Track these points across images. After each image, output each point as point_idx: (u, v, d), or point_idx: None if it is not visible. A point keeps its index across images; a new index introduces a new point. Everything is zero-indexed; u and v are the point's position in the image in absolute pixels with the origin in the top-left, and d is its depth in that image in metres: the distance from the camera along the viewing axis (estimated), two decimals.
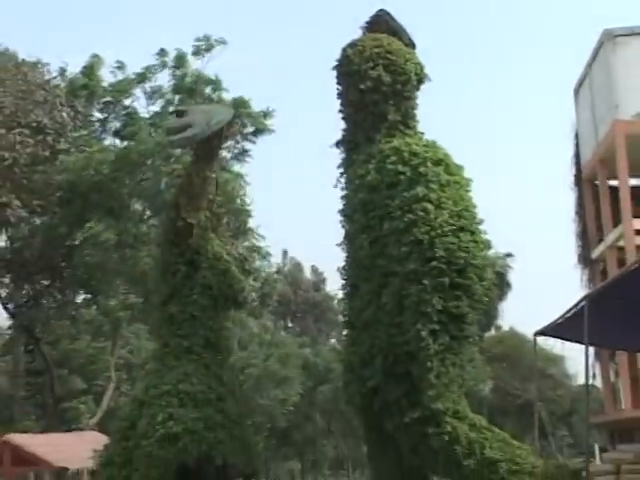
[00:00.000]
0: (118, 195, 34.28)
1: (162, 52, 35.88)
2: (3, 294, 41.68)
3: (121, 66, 36.16)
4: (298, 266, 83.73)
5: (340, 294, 11.52)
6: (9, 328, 48.16)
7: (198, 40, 35.53)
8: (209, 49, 35.64)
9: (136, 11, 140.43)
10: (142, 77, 36.15)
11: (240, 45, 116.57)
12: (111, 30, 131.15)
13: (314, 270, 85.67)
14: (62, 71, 37.43)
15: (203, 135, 11.13)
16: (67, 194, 34.38)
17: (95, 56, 36.66)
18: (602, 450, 35.91)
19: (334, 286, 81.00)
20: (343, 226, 10.95)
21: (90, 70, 36.47)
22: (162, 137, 30.39)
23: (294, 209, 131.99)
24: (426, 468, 10.28)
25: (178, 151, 30.01)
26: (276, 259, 50.94)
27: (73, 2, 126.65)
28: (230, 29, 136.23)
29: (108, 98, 37.15)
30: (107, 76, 36.88)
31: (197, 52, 35.59)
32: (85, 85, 36.40)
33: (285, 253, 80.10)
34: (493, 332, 58.74)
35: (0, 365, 58.01)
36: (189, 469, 10.49)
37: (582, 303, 15.68)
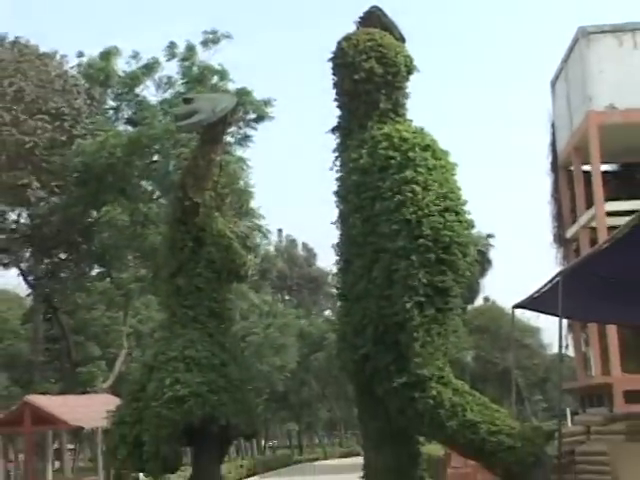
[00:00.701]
0: (130, 176, 34.31)
1: (172, 44, 35.83)
2: (24, 267, 41.71)
3: (136, 56, 36.10)
4: (293, 243, 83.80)
5: (334, 269, 11.48)
6: (28, 295, 48.13)
7: (206, 33, 35.49)
8: (216, 42, 35.60)
9: (146, 7, 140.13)
10: (152, 67, 36.10)
11: (244, 39, 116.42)
12: (124, 23, 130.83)
13: (305, 246, 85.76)
14: (80, 55, 37.31)
15: (208, 121, 11.09)
16: (83, 175, 34.39)
17: (111, 47, 36.62)
18: (573, 413, 36.00)
19: (324, 261, 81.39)
20: (337, 206, 10.92)
21: (107, 56, 36.36)
22: (170, 123, 30.37)
23: (289, 190, 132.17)
24: (412, 429, 10.29)
25: (185, 135, 29.99)
26: (272, 237, 50.90)
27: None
28: (236, 25, 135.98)
29: (121, 87, 37.09)
30: (122, 66, 36.86)
31: (205, 43, 35.53)
32: (102, 69, 36.30)
33: (280, 231, 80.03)
34: (475, 305, 58.83)
35: (21, 332, 58.06)
36: (194, 429, 10.49)
37: (557, 279, 15.68)
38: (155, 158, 35.08)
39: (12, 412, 27.66)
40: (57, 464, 52.15)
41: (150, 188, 36.54)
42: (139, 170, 34.62)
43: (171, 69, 36.54)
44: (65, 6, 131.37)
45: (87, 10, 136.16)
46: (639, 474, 12.68)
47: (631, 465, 14.12)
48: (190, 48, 35.59)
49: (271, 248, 67.00)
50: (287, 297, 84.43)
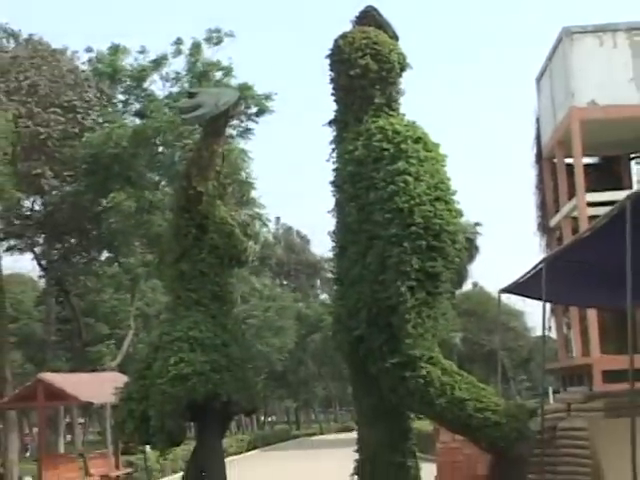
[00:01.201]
0: (136, 166, 34.30)
1: (178, 41, 35.82)
2: (38, 252, 41.76)
3: (143, 51, 36.09)
4: (289, 230, 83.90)
5: (330, 255, 11.45)
6: (41, 278, 48.17)
7: (210, 31, 35.49)
8: (220, 40, 35.61)
9: (153, 4, 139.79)
10: (160, 63, 36.10)
11: (249, 34, 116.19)
12: (129, 20, 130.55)
13: (298, 234, 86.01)
14: (89, 50, 37.29)
15: (212, 114, 11.04)
16: (91, 166, 34.39)
17: (119, 45, 36.64)
18: (555, 392, 36.11)
19: (317, 248, 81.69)
20: (334, 195, 10.90)
21: (115, 51, 36.35)
22: (174, 115, 30.39)
23: (287, 179, 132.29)
24: (403, 406, 10.30)
25: (187, 128, 30.03)
26: (270, 225, 50.92)
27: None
28: (241, 21, 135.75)
29: (129, 81, 37.10)
30: (130, 62, 36.85)
31: (209, 40, 35.51)
32: (110, 64, 36.30)
33: (278, 219, 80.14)
34: (464, 290, 58.89)
35: (34, 314, 58.14)
36: (197, 405, 10.49)
37: (540, 265, 15.68)
38: (160, 149, 35.12)
39: (26, 388, 27.69)
40: (68, 437, 52.30)
41: (157, 178, 36.59)
42: (145, 160, 34.63)
43: (177, 65, 36.57)
44: (72, 3, 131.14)
45: (91, 7, 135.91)
46: (616, 448, 12.70)
47: (608, 440, 14.14)
48: (196, 45, 35.59)
49: (270, 236, 67.10)
50: (285, 282, 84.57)
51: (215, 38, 35.38)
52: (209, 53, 36.03)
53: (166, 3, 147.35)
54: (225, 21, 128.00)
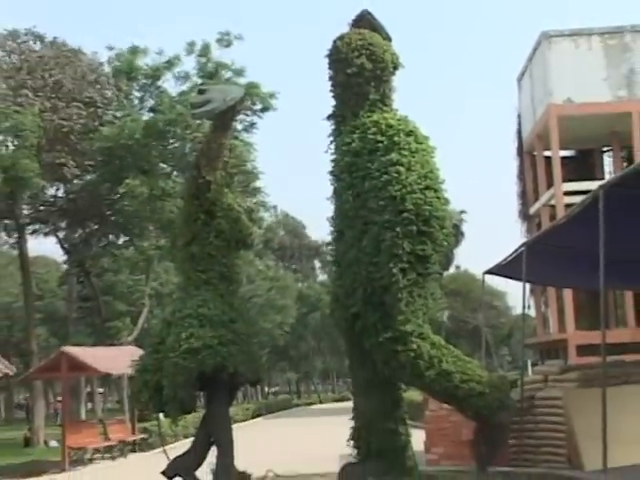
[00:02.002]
0: (149, 157, 34.27)
1: (191, 43, 35.84)
2: (60, 236, 41.75)
3: (160, 52, 36.11)
4: (286, 217, 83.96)
5: (328, 239, 11.44)
6: (65, 262, 48.26)
7: (221, 34, 35.46)
8: (229, 42, 35.60)
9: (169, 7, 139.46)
10: (173, 63, 36.11)
11: (258, 35, 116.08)
12: (143, 20, 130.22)
13: (294, 220, 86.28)
14: (110, 49, 37.28)
15: (220, 109, 10.96)
16: (107, 157, 34.40)
17: (137, 47, 36.64)
18: (533, 365, 36.12)
19: (312, 233, 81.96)
20: (332, 184, 10.87)
21: (133, 52, 36.31)
22: (183, 109, 30.41)
23: (290, 169, 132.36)
24: (395, 378, 10.29)
25: (195, 121, 30.07)
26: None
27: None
28: (250, 24, 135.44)
29: (145, 80, 37.08)
30: (147, 61, 36.83)
31: (220, 41, 35.49)
32: (128, 63, 36.29)
33: (275, 207, 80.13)
34: (450, 271, 58.87)
35: (58, 292, 58.25)
36: (207, 376, 10.46)
37: (521, 249, 15.69)
38: (172, 142, 35.10)
39: (51, 360, 27.68)
40: (89, 405, 52.42)
41: (169, 169, 36.60)
42: (157, 152, 34.62)
43: (189, 65, 36.55)
44: (89, 6, 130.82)
45: (111, 10, 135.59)
46: (588, 415, 12.75)
47: (581, 408, 14.22)
48: (206, 46, 35.59)
49: (274, 220, 67.17)
50: (287, 264, 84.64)
51: (225, 40, 35.40)
52: (218, 54, 36.02)
53: (180, 6, 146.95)
54: (236, 22, 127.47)
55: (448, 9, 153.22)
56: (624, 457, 13.09)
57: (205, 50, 35.64)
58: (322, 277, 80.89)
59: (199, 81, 34.49)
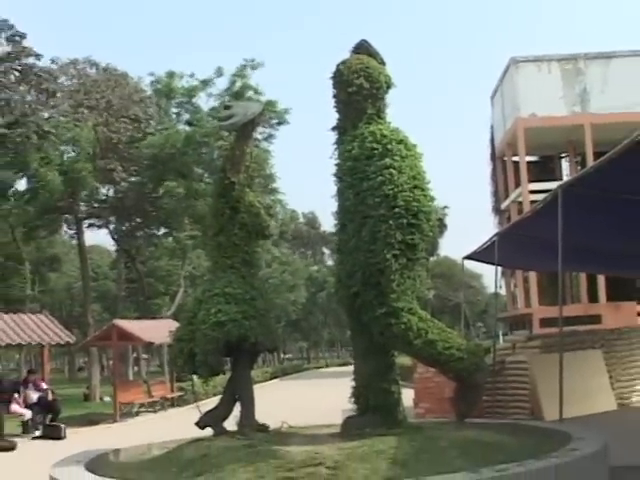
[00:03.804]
0: (186, 163, 34.33)
1: (219, 68, 36.00)
2: (111, 228, 41.84)
3: (192, 75, 36.26)
4: (294, 213, 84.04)
5: (333, 230, 11.40)
6: (116, 251, 48.41)
7: (245, 60, 35.61)
8: (255, 67, 35.76)
9: (198, 36, 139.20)
10: (206, 83, 36.24)
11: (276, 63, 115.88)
12: (182, 48, 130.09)
13: (304, 215, 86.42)
14: (150, 74, 37.44)
15: (242, 122, 10.91)
16: (152, 162, 34.45)
17: (173, 71, 36.80)
18: (504, 335, 36.07)
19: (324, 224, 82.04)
20: (335, 184, 10.82)
21: (170, 75, 36.47)
22: (215, 124, 30.46)
23: (300, 172, 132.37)
24: (389, 346, 10.26)
25: (226, 134, 30.21)
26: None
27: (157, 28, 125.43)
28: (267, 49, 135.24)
29: (181, 98, 37.16)
30: (182, 83, 36.95)
31: (245, 67, 35.64)
32: (166, 85, 36.50)
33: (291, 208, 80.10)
34: (435, 258, 58.88)
35: (109, 275, 58.41)
36: (232, 345, 10.44)
37: (494, 238, 15.64)
38: (204, 150, 35.21)
39: (104, 331, 27.82)
40: (135, 368, 52.57)
41: (201, 172, 36.69)
42: (193, 158, 34.71)
43: (218, 85, 36.69)
44: (134, 37, 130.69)
45: (152, 40, 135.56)
46: (548, 376, 12.76)
47: (543, 370, 14.24)
48: (242, 68, 35.93)
49: (288, 216, 67.16)
50: (302, 250, 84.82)
51: (250, 66, 35.66)
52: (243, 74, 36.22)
53: (205, 38, 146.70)
54: (257, 52, 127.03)
55: (434, 38, 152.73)
56: (577, 409, 13.15)
57: (241, 71, 35.88)
58: (330, 262, 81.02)
59: (227, 99, 34.59)
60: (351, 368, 10.89)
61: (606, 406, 15.31)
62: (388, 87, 11.07)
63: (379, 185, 10.03)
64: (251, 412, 10.68)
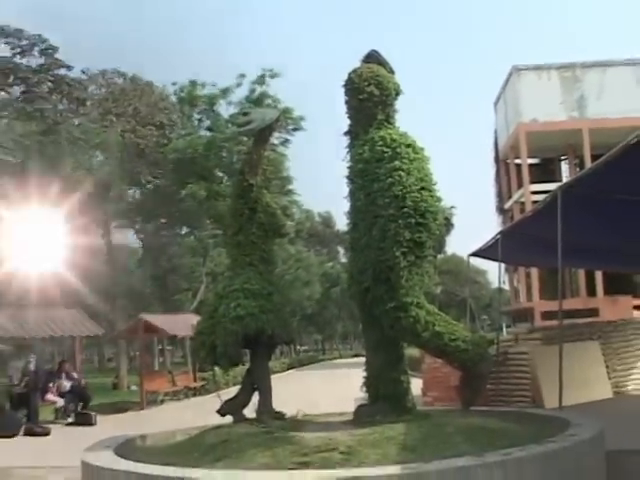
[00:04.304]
0: (207, 166, 34.38)
1: (241, 76, 35.99)
2: (137, 227, 41.98)
3: (214, 84, 36.27)
4: (309, 212, 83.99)
5: (346, 229, 11.39)
6: (140, 249, 48.48)
7: (263, 70, 35.60)
8: (274, 76, 35.71)
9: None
10: (226, 91, 36.21)
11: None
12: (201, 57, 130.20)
13: (320, 215, 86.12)
14: (174, 84, 37.53)
15: (259, 127, 10.91)
16: (175, 166, 34.53)
17: (196, 81, 36.79)
18: (507, 327, 35.92)
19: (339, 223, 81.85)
20: (348, 186, 10.81)
21: (194, 84, 36.48)
22: (234, 130, 30.49)
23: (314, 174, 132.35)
24: (398, 338, 10.25)
25: (245, 138, 30.25)
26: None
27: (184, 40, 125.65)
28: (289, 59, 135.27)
29: (203, 106, 37.18)
30: (204, 91, 36.95)
31: (263, 76, 35.58)
32: (189, 93, 36.52)
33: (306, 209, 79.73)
34: (443, 255, 58.79)
35: (135, 272, 58.47)
36: (250, 337, 10.46)
37: (498, 236, 15.58)
38: (224, 154, 35.26)
39: (131, 325, 27.96)
40: (160, 359, 52.77)
41: (221, 174, 36.75)
42: (214, 162, 34.77)
43: (239, 93, 36.71)
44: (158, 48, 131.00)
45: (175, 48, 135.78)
46: (549, 367, 12.71)
47: (544, 360, 14.19)
48: (262, 76, 35.85)
49: (303, 216, 67.15)
50: (318, 248, 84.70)
51: (269, 75, 35.62)
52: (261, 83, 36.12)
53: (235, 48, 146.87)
54: (279, 63, 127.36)
55: (441, 46, 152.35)
56: (575, 397, 13.11)
57: (261, 79, 35.85)
58: (344, 259, 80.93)
59: (247, 105, 34.64)
60: (363, 359, 10.89)
61: (603, 394, 15.28)
62: (397, 94, 11.05)
63: (389, 186, 10.02)
64: (269, 400, 10.69)
